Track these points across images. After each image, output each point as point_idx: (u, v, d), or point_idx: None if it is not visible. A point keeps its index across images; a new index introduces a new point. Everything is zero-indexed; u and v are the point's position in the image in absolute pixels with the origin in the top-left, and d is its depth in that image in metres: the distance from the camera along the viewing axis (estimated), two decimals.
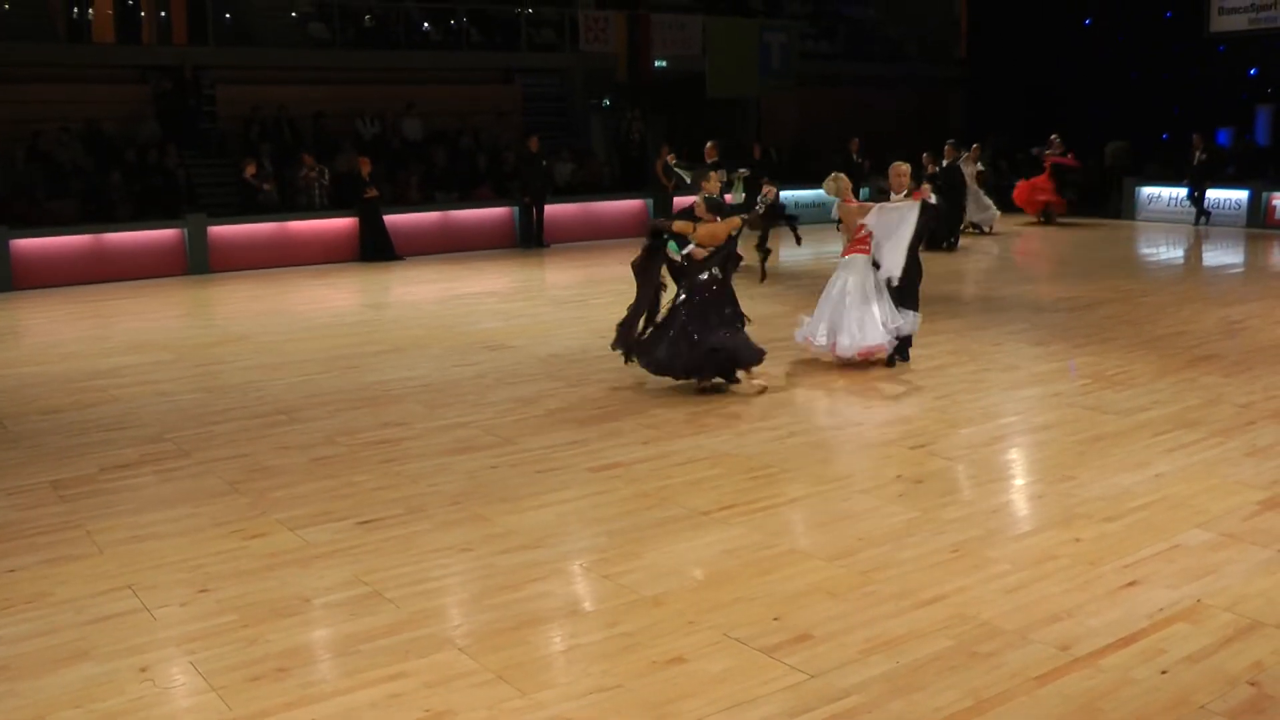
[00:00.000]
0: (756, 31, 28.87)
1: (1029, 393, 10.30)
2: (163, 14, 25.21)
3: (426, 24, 26.85)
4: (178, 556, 6.65)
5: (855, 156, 27.30)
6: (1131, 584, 6.01)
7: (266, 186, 21.25)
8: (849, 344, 11.00)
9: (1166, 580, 6.05)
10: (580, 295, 16.48)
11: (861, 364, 11.18)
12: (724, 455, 8.46)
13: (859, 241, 11.28)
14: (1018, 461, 8.51)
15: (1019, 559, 6.38)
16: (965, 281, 16.88)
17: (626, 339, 10.52)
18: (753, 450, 8.58)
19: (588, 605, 5.97)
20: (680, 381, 10.41)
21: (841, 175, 11.70)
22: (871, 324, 11.00)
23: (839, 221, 11.79)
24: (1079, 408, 9.66)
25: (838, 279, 11.33)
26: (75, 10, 24.04)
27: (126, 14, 24.42)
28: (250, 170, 21.07)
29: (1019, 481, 8.05)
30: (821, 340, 11.19)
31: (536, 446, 8.79)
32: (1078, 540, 6.61)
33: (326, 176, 21.55)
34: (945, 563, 6.34)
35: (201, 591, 6.15)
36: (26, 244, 18.85)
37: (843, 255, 11.53)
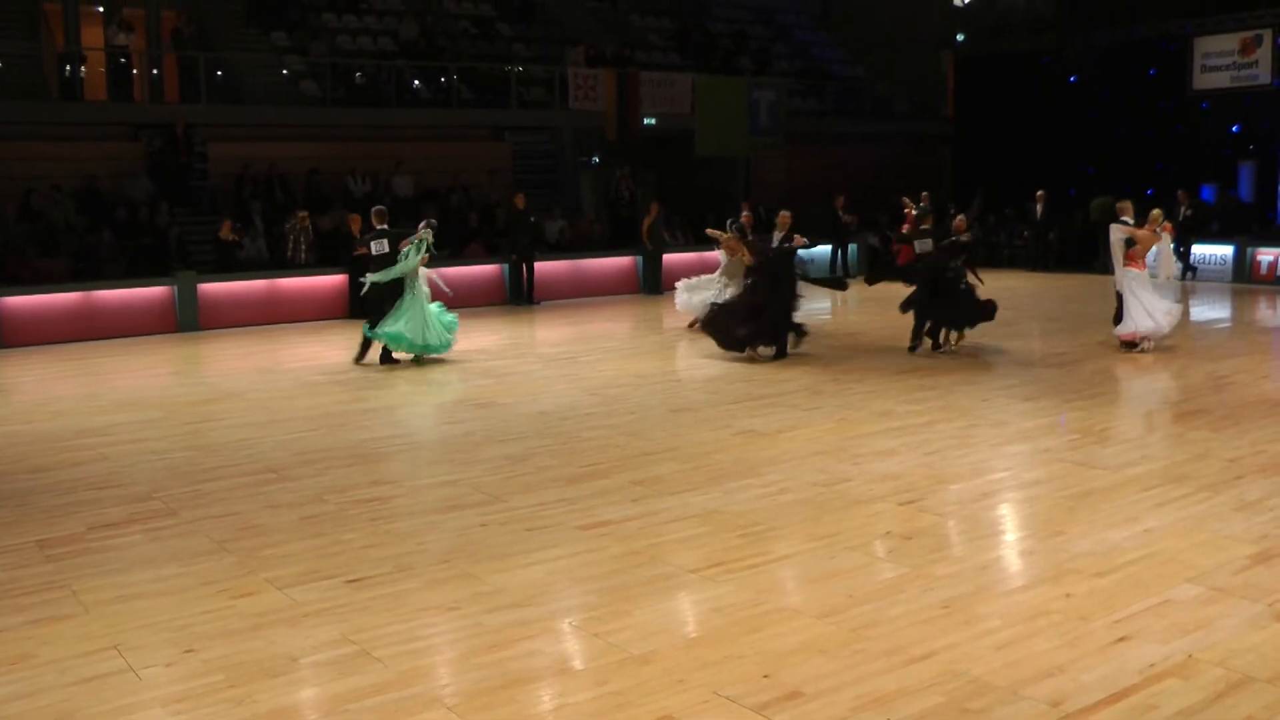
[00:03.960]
0: (745, 89, 29.09)
1: (1018, 448, 10.31)
2: (155, 72, 25.36)
3: (417, 82, 27.02)
4: (164, 616, 6.61)
5: (841, 213, 27.53)
6: (1122, 639, 6.00)
7: (244, 241, 21.34)
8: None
9: (1158, 635, 6.04)
10: (570, 353, 16.50)
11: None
12: (713, 513, 8.45)
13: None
14: (1008, 517, 8.50)
15: (1010, 615, 6.36)
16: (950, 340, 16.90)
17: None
18: (741, 507, 8.56)
19: (577, 664, 5.94)
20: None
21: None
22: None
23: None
24: (1068, 463, 9.67)
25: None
26: (68, 68, 24.13)
27: (119, 72, 24.53)
28: (225, 230, 21.12)
29: (1009, 537, 8.04)
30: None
31: (525, 504, 8.77)
32: (1068, 596, 6.60)
33: (311, 231, 21.59)
34: (935, 619, 6.32)
35: (188, 651, 6.11)
36: (16, 302, 18.85)
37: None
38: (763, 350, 15.19)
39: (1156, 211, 15.30)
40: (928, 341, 15.68)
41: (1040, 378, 13.80)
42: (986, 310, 15.75)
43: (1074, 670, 5.65)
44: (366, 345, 15.56)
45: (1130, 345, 15.29)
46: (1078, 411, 11.86)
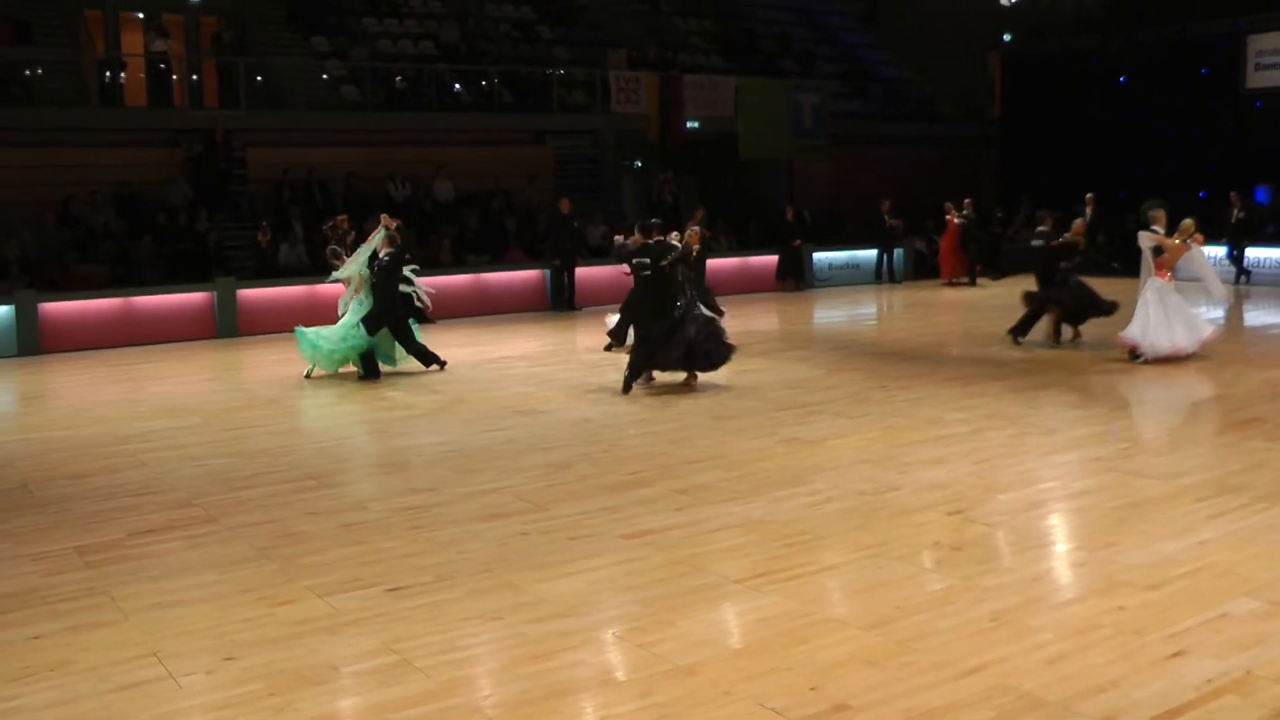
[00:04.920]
0: (788, 92, 29.07)
1: (1068, 457, 10.22)
2: (194, 78, 25.59)
3: (458, 86, 27.11)
4: (204, 623, 6.63)
5: (887, 217, 27.46)
6: (1178, 654, 5.92)
7: (277, 245, 21.45)
8: None
9: (1214, 650, 5.96)
10: (613, 359, 16.46)
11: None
12: (758, 522, 8.41)
13: None
14: (1058, 527, 8.43)
15: (1061, 628, 6.29)
16: (1004, 343, 16.80)
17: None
18: (787, 516, 8.53)
19: (620, 675, 5.92)
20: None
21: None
22: None
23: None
24: (1119, 472, 9.57)
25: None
26: (108, 74, 24.39)
27: (159, 78, 24.73)
28: (261, 236, 21.27)
29: (1059, 548, 7.97)
30: None
31: (568, 513, 8.76)
32: (1121, 609, 6.53)
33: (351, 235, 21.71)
34: (985, 631, 6.26)
35: (228, 659, 6.13)
36: (56, 308, 19.05)
37: None
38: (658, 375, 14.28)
39: (1188, 221, 14.89)
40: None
41: (1090, 384, 13.68)
42: (1103, 307, 16.33)
43: (1127, 685, 5.58)
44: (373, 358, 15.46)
45: (1133, 355, 14.84)
46: (1129, 419, 11.75)
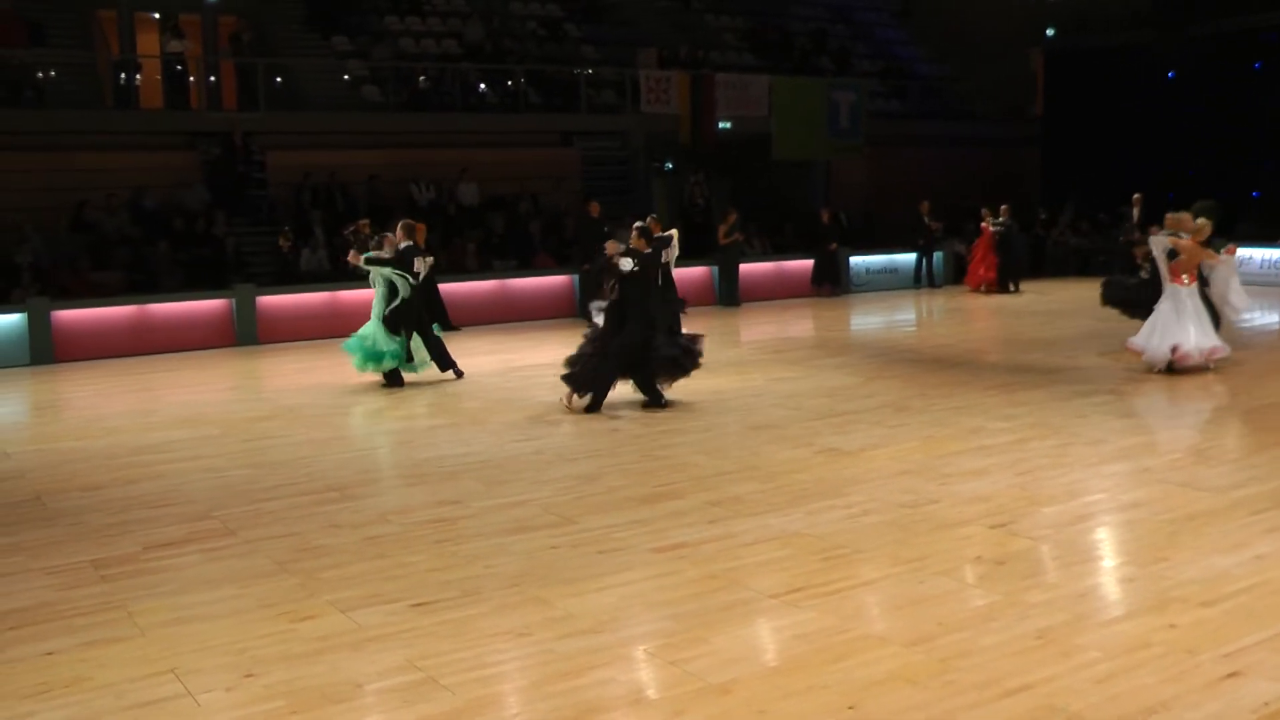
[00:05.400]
0: (824, 91, 29.06)
1: (1116, 468, 10.16)
2: (212, 79, 25.74)
3: (483, 86, 27.20)
4: (223, 639, 6.66)
5: (926, 219, 27.40)
6: (1233, 675, 5.88)
7: (297, 249, 21.55)
8: None
9: (1272, 671, 5.91)
10: None
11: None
12: (794, 535, 8.40)
13: None
14: (1106, 542, 8.38)
15: (1110, 646, 6.26)
16: (1049, 350, 16.74)
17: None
18: (824, 530, 8.51)
19: (652, 693, 5.92)
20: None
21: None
22: None
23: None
24: (1170, 484, 9.52)
25: None
26: (122, 76, 24.54)
27: (175, 79, 24.89)
28: (283, 241, 21.37)
29: (1108, 563, 7.92)
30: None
31: (598, 526, 8.77)
32: (1173, 626, 6.49)
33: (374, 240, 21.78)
34: (1030, 650, 6.23)
35: (248, 676, 6.16)
36: (69, 315, 19.18)
37: None
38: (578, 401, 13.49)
39: (1202, 221, 14.59)
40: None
41: (1138, 393, 13.61)
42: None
43: (1179, 707, 5.55)
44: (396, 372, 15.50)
45: (1155, 366, 14.47)
46: (1179, 430, 11.69)
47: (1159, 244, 14.61)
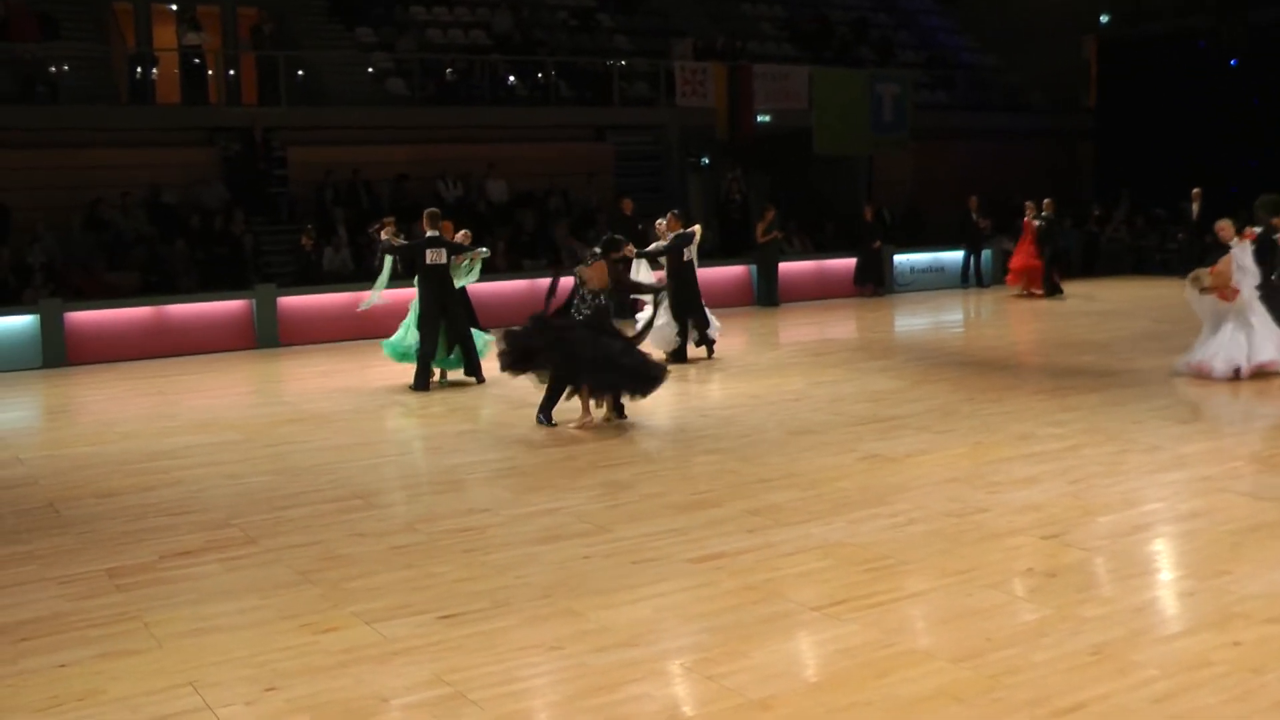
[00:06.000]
0: (867, 82, 28.96)
1: (1174, 476, 10.11)
2: (231, 73, 25.85)
3: (512, 78, 27.24)
4: (243, 651, 6.70)
5: (974, 215, 27.27)
6: None
7: (321, 250, 21.65)
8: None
9: None
10: (677, 370, 16.44)
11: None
12: (836, 545, 8.39)
13: None
14: (1164, 553, 8.34)
15: (1169, 664, 6.22)
16: (1103, 352, 16.67)
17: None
18: (868, 539, 8.50)
19: (688, 709, 5.93)
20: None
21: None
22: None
23: None
24: (1232, 493, 9.46)
25: None
26: (138, 70, 24.64)
27: (193, 73, 25.00)
28: (305, 240, 21.46)
29: (1166, 576, 7.89)
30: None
31: (632, 535, 8.77)
32: (1237, 644, 6.45)
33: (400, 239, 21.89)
34: (1084, 666, 6.21)
35: (269, 690, 6.19)
36: (83, 317, 19.25)
37: None
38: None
39: (1224, 222, 14.31)
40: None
41: (1198, 398, 13.53)
42: None
43: None
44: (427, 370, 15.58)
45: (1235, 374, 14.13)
46: (1242, 436, 11.61)
47: (1192, 296, 14.51)
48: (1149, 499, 9.47)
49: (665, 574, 7.86)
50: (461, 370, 15.58)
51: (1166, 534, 8.67)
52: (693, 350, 17.23)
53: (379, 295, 16.18)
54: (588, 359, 12.43)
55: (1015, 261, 25.77)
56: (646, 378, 12.64)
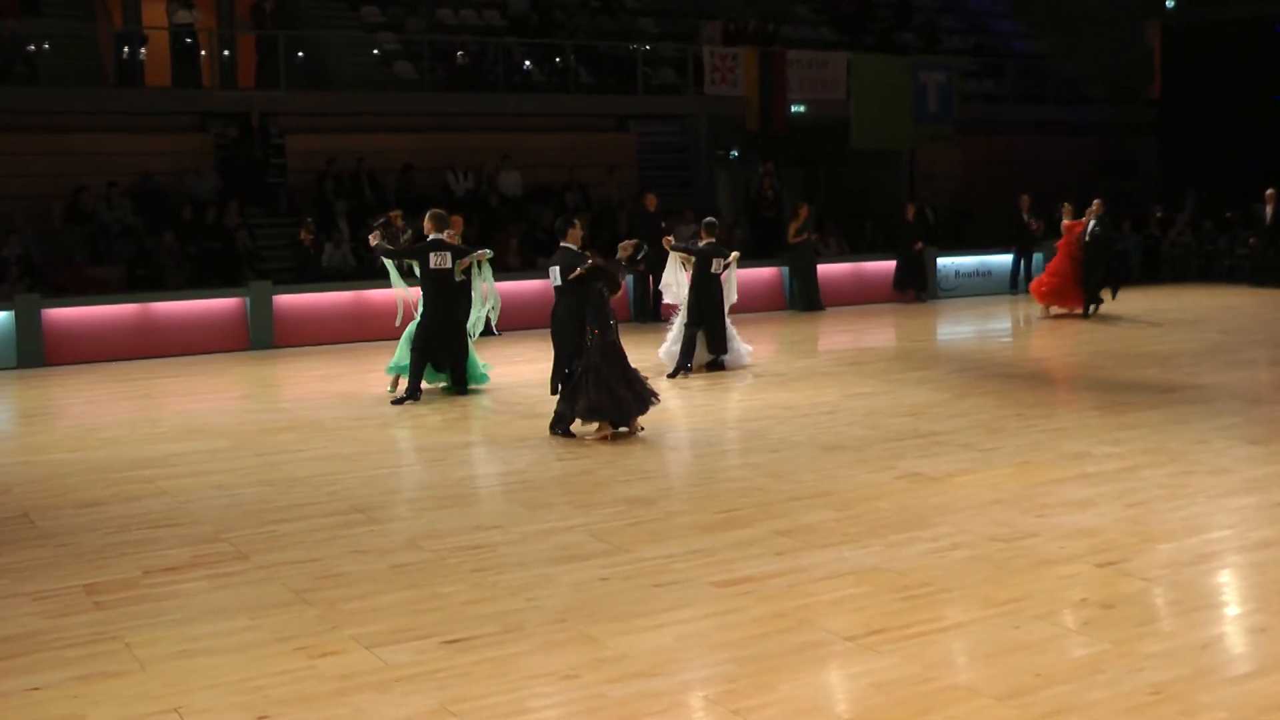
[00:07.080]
0: (910, 70, 28.95)
1: (1243, 501, 10.07)
2: (226, 54, 25.89)
3: (528, 63, 27.26)
4: (233, 676, 6.70)
5: (1026, 215, 27.18)
6: None
7: (321, 245, 21.67)
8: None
9: None
10: (705, 378, 16.47)
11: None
12: (872, 570, 8.38)
13: None
14: (1231, 585, 8.30)
15: (1238, 706, 6.18)
16: (1165, 366, 16.62)
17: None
18: (907, 565, 8.48)
19: None
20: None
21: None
22: None
23: None
24: None
25: None
26: (126, 50, 24.64)
27: (184, 54, 24.97)
28: (304, 235, 21.50)
29: (1234, 610, 7.85)
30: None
31: (653, 556, 8.77)
32: None
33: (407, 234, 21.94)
34: (1144, 707, 6.18)
35: (261, 717, 6.19)
36: (63, 314, 19.30)
37: None
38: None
39: None
40: None
41: (1270, 416, 13.47)
42: None
43: None
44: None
45: None
46: None
47: None
48: (1215, 526, 9.43)
49: (688, 598, 7.85)
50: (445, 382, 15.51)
51: (1234, 564, 8.64)
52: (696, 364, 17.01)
53: (404, 296, 15.81)
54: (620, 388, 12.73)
55: (1047, 278, 23.56)
56: (643, 401, 12.91)
